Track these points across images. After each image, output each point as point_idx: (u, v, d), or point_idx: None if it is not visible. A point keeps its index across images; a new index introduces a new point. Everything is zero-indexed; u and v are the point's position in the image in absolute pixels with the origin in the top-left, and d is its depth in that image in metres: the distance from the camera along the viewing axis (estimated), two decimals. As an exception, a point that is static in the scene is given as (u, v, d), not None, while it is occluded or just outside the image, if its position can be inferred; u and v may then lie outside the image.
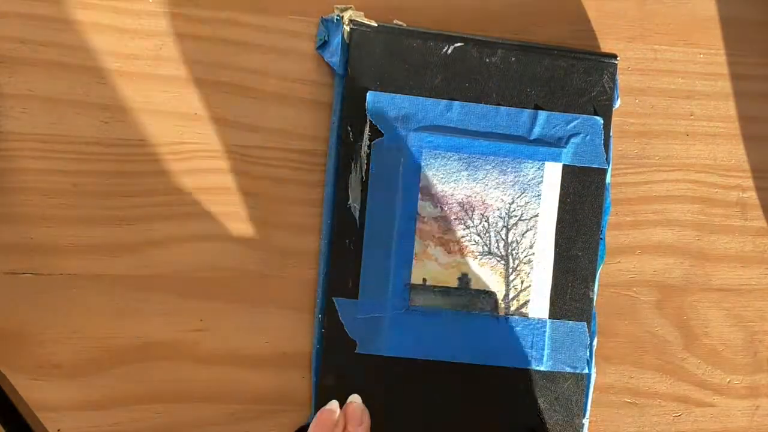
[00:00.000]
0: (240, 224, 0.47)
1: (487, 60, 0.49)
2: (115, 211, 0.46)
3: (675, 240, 0.53)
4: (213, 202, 0.47)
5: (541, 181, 0.49)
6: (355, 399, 0.47)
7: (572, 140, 0.49)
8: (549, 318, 0.49)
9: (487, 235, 0.49)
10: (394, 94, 0.48)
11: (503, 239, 0.49)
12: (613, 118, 0.52)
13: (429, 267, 0.48)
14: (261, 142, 0.48)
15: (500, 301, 0.49)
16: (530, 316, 0.49)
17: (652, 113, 0.53)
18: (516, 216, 0.49)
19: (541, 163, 0.49)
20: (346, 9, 0.47)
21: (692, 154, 0.54)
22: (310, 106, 0.48)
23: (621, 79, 0.53)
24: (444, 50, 0.48)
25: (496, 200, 0.49)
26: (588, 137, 0.49)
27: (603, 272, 0.51)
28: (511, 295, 0.49)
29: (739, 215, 0.55)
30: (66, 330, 0.45)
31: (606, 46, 0.52)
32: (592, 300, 0.50)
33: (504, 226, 0.49)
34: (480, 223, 0.49)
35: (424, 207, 0.48)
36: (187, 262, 0.47)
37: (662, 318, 0.53)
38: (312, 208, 0.48)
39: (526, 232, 0.49)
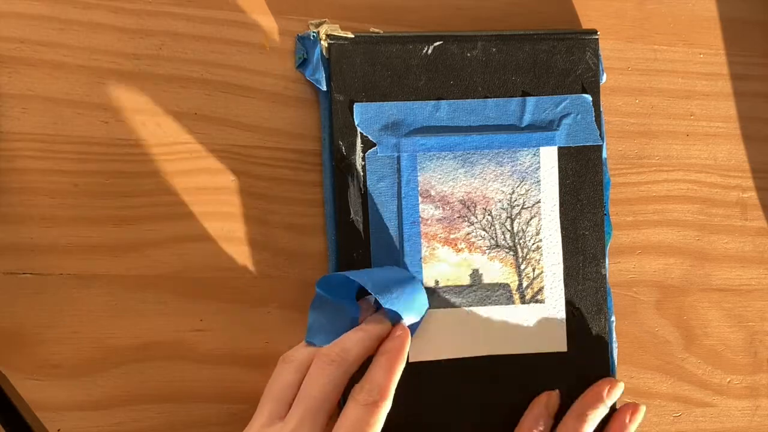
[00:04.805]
0: (240, 224, 0.47)
1: (469, 54, 0.49)
2: (115, 211, 0.46)
3: (675, 240, 0.53)
4: (213, 202, 0.47)
5: (539, 167, 0.49)
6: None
7: (564, 121, 0.49)
8: (565, 299, 0.49)
9: (492, 228, 0.49)
10: (380, 103, 0.48)
11: (509, 230, 0.49)
12: (614, 118, 0.52)
13: (439, 268, 0.48)
14: (261, 142, 0.48)
15: (514, 292, 0.49)
16: (546, 301, 0.49)
17: (652, 113, 0.53)
18: (518, 205, 0.49)
19: (535, 149, 0.49)
20: (320, 23, 0.47)
21: (692, 154, 0.54)
22: (310, 105, 0.48)
23: (621, 78, 0.53)
24: (424, 51, 0.48)
25: (497, 192, 0.49)
26: (579, 116, 0.49)
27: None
28: (524, 285, 0.49)
29: (739, 215, 0.55)
30: (66, 330, 0.45)
31: (606, 46, 0.52)
32: (604, 276, 0.50)
33: (508, 217, 0.49)
34: (484, 218, 0.49)
35: (426, 210, 0.48)
36: (187, 262, 0.47)
37: (662, 318, 0.53)
38: (312, 207, 0.48)
39: (530, 219, 0.49)
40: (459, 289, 0.48)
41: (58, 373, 0.45)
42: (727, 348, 0.54)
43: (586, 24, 0.52)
